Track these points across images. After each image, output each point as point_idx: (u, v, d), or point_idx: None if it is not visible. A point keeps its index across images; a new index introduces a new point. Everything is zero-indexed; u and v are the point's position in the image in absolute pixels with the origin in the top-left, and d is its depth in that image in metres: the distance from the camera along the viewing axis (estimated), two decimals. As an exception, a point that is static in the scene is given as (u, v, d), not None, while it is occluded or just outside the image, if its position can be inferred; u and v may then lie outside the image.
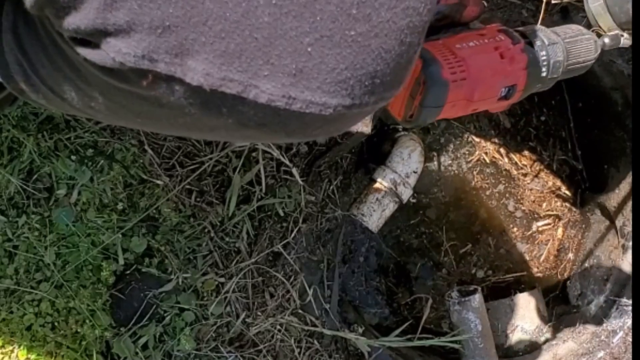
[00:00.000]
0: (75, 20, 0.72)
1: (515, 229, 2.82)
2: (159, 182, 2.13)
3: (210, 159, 2.18)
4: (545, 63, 1.44)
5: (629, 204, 2.49)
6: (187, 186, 2.16)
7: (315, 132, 0.81)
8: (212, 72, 0.73)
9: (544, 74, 1.45)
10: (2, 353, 2.08)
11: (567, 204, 2.83)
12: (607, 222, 2.64)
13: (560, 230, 2.83)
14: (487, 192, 2.79)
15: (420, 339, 2.43)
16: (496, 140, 2.80)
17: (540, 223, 2.83)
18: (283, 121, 0.77)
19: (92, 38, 0.73)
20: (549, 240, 2.84)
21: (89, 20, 0.71)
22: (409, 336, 2.43)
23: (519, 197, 2.82)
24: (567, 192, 2.84)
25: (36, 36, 0.89)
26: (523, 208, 2.82)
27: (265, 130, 0.80)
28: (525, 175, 2.83)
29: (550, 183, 2.84)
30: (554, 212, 2.83)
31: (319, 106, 0.76)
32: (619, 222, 2.56)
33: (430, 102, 1.27)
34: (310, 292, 2.25)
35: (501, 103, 1.42)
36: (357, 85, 0.76)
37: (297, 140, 0.86)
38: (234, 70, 0.73)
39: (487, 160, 2.78)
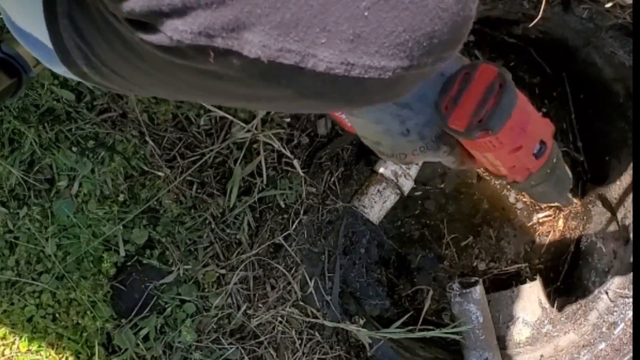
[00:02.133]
0: (129, 3, 0.71)
1: (516, 221, 2.82)
2: (160, 173, 2.13)
3: (211, 150, 2.18)
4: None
5: (630, 195, 2.49)
6: (188, 178, 2.16)
7: (375, 97, 0.81)
8: (269, 44, 0.72)
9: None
10: (3, 344, 2.08)
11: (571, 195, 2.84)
12: (608, 214, 2.64)
13: (561, 222, 2.83)
14: (489, 184, 2.79)
15: (421, 330, 2.42)
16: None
17: (540, 215, 2.83)
18: (342, 89, 0.76)
19: (147, 19, 0.73)
20: (549, 231, 2.84)
21: (144, 2, 0.71)
22: (410, 328, 2.43)
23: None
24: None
25: (91, 19, 0.89)
26: (524, 199, 2.82)
27: (324, 99, 0.79)
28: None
29: (551, 175, 2.84)
30: (555, 204, 2.83)
31: (378, 70, 0.74)
32: (620, 214, 2.55)
33: (506, 104, 1.28)
34: (311, 283, 2.26)
35: (533, 161, 1.42)
36: (415, 46, 0.74)
37: (357, 107, 0.85)
38: (291, 41, 0.72)
39: (489, 153, 2.78)
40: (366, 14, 0.70)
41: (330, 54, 0.72)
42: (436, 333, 2.43)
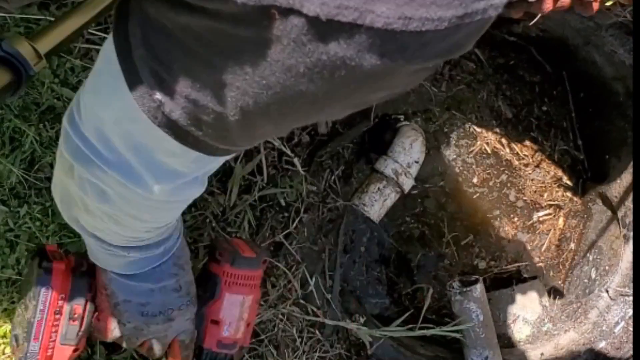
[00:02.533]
0: None
1: (516, 219, 2.82)
2: (160, 172, 2.13)
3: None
4: None
5: (631, 193, 2.50)
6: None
7: (433, 51, 0.82)
8: (328, 1, 0.74)
9: None
10: (4, 342, 2.08)
11: (569, 194, 2.83)
12: (609, 212, 2.65)
13: (561, 220, 2.83)
14: (489, 183, 2.79)
15: (421, 329, 2.43)
16: (497, 131, 2.80)
17: (541, 213, 2.83)
18: (401, 45, 0.78)
19: None
20: (550, 230, 2.84)
21: None
22: (410, 326, 2.43)
23: (520, 187, 2.82)
24: (569, 182, 2.84)
25: (166, 36, 0.93)
26: (524, 198, 2.82)
27: (383, 59, 0.80)
28: (526, 165, 2.83)
29: (551, 173, 2.84)
30: (555, 202, 2.83)
31: (435, 22, 0.76)
32: (620, 212, 2.56)
33: None
34: (311, 282, 2.26)
35: None
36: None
37: (417, 65, 0.85)
38: None
39: (489, 151, 2.78)
40: None
41: (388, 9, 0.74)
42: (436, 331, 2.43)
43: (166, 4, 0.91)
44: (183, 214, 2.10)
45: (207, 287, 1.89)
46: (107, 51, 1.06)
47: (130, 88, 1.02)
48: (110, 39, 1.06)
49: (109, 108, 1.11)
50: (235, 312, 1.90)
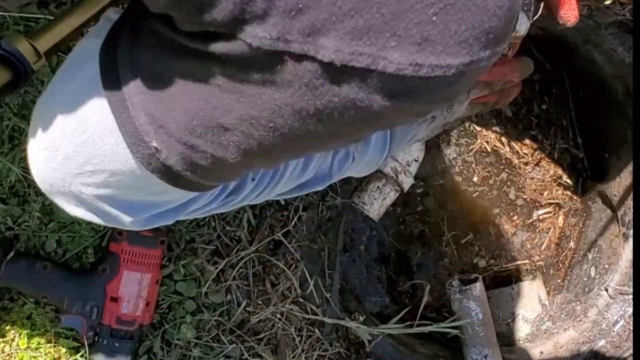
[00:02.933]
0: (212, 14, 0.80)
1: (516, 218, 2.82)
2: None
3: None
4: None
5: (631, 192, 2.49)
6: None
7: (438, 96, 0.88)
8: (343, 48, 0.80)
9: None
10: (3, 341, 2.08)
11: (569, 193, 2.83)
12: (608, 211, 2.64)
13: (561, 219, 2.83)
14: (489, 181, 2.79)
15: (419, 325, 2.43)
16: (497, 129, 2.80)
17: (540, 211, 2.83)
18: (410, 89, 0.84)
19: (226, 29, 0.82)
20: (549, 228, 2.84)
21: (227, 11, 0.79)
22: (408, 323, 2.43)
23: (520, 186, 2.82)
24: (568, 181, 2.84)
25: (164, 83, 0.96)
26: (524, 196, 2.82)
27: (392, 100, 0.86)
28: (526, 164, 2.83)
29: (551, 172, 2.84)
30: (555, 201, 2.83)
31: (443, 68, 0.82)
32: (620, 211, 2.56)
33: None
34: (311, 281, 2.25)
35: None
36: (475, 42, 0.83)
37: (420, 108, 0.92)
38: (363, 45, 0.80)
39: (489, 149, 2.78)
40: (434, 19, 0.79)
41: (400, 56, 0.81)
42: (434, 328, 2.42)
43: (167, 51, 0.95)
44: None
45: (107, 265, 2.03)
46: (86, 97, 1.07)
47: (123, 136, 1.03)
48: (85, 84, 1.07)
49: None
50: (134, 289, 2.03)
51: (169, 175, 1.05)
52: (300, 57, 0.82)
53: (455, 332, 2.45)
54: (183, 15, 0.86)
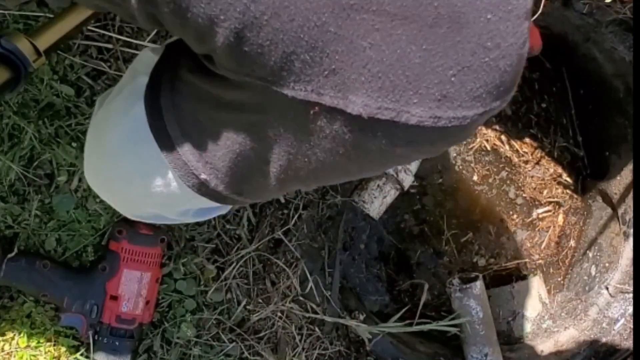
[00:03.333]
0: (254, 68, 0.94)
1: (515, 216, 2.82)
2: (159, 168, 2.13)
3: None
4: None
5: (631, 190, 2.50)
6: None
7: (455, 139, 1.02)
8: (370, 104, 0.92)
9: None
10: (3, 340, 2.08)
11: (568, 191, 2.83)
12: (609, 209, 2.64)
13: (560, 217, 2.83)
14: (488, 180, 2.79)
15: (418, 324, 2.43)
16: (497, 128, 2.80)
17: (540, 210, 2.83)
18: (429, 136, 0.97)
19: (264, 81, 0.95)
20: (549, 227, 2.84)
21: (269, 67, 0.93)
22: (407, 322, 2.43)
23: (519, 185, 2.82)
24: (568, 179, 2.84)
25: (209, 130, 1.13)
26: (524, 195, 2.82)
27: (413, 145, 1.00)
28: (526, 162, 2.83)
29: (551, 170, 2.84)
30: (555, 199, 2.83)
31: (460, 119, 0.95)
32: (620, 209, 2.56)
33: None
34: (311, 279, 2.25)
35: None
36: (488, 96, 0.95)
37: (439, 149, 1.08)
38: (388, 101, 0.92)
39: (488, 148, 2.78)
40: (453, 79, 0.91)
41: (421, 111, 0.93)
42: (433, 326, 2.43)
43: (204, 103, 1.10)
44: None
45: (107, 264, 2.03)
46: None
47: (173, 170, 1.22)
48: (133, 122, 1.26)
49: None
50: (134, 288, 2.04)
51: (218, 197, 1.24)
52: (330, 109, 0.95)
53: (454, 330, 2.45)
54: (229, 64, 0.97)
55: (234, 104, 1.05)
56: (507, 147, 2.82)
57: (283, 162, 1.10)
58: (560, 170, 2.85)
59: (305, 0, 0.88)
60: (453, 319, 2.46)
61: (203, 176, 1.19)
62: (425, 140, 0.98)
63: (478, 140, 2.77)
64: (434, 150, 1.06)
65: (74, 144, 2.05)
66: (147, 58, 1.35)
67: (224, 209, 1.50)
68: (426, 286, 2.56)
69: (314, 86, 0.93)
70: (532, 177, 2.84)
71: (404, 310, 2.47)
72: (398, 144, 0.99)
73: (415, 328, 2.41)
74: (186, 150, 1.18)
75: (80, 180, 2.06)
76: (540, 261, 2.81)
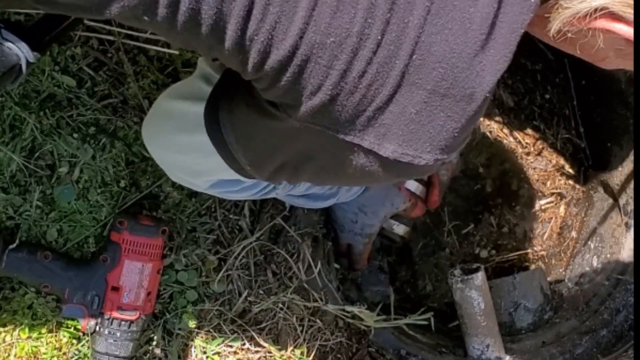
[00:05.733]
0: (331, 121, 1.22)
1: (518, 208, 2.82)
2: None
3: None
4: None
5: (632, 181, 2.49)
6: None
7: (423, 173, 1.51)
8: (398, 150, 1.21)
9: None
10: (4, 331, 2.08)
11: (571, 182, 2.83)
12: (610, 200, 2.64)
13: (562, 208, 2.83)
14: (491, 171, 2.79)
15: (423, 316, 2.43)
16: (500, 119, 2.80)
17: (543, 201, 2.83)
18: (426, 170, 1.27)
19: (326, 128, 1.23)
20: (551, 218, 2.84)
21: (337, 122, 1.22)
22: (409, 316, 2.43)
23: (522, 176, 2.82)
24: (571, 170, 2.84)
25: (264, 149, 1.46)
26: (526, 187, 2.82)
27: (409, 175, 1.56)
28: (528, 154, 2.83)
29: (553, 161, 2.84)
30: (558, 190, 2.83)
31: (440, 160, 1.25)
32: (622, 200, 2.55)
33: None
34: (315, 269, 2.26)
35: None
36: (457, 146, 1.27)
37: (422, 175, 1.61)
38: (411, 149, 1.21)
39: (491, 139, 2.78)
40: (455, 135, 1.22)
41: (430, 156, 1.23)
42: (408, 320, 2.42)
43: (255, 114, 1.37)
44: (183, 201, 2.11)
45: (108, 255, 2.05)
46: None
47: (227, 163, 1.57)
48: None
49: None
50: (135, 279, 2.05)
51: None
52: (368, 151, 1.23)
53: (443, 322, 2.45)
54: (305, 118, 1.23)
55: (285, 134, 1.35)
56: (510, 138, 2.82)
57: (311, 173, 1.45)
58: (562, 161, 2.84)
59: None
60: (424, 312, 2.47)
61: (248, 168, 1.54)
62: (422, 172, 1.37)
63: (481, 132, 2.77)
64: (419, 175, 1.73)
65: (75, 135, 2.05)
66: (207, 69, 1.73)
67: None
68: (427, 279, 2.56)
69: (362, 134, 1.22)
70: (534, 168, 2.83)
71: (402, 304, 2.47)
72: (401, 175, 1.37)
73: (412, 320, 2.42)
74: (237, 150, 1.52)
75: (81, 171, 2.06)
76: (542, 252, 2.81)
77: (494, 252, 2.77)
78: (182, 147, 1.74)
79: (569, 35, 1.21)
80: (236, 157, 1.54)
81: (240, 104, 1.43)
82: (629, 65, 1.31)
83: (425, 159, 1.23)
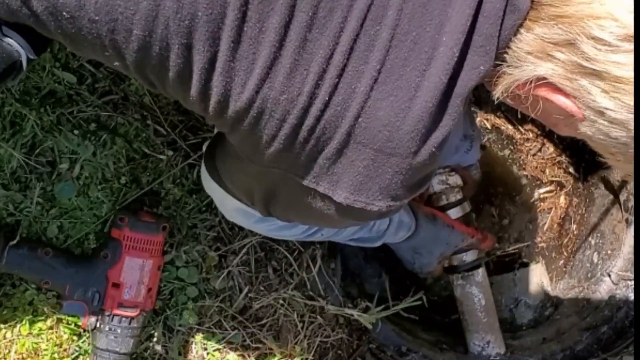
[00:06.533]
0: (292, 167, 1.39)
1: (517, 198, 2.82)
2: (162, 156, 2.13)
3: (214, 133, 2.18)
4: None
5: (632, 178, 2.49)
6: (191, 161, 2.16)
7: (380, 217, 1.49)
8: (349, 196, 1.36)
9: None
10: (5, 327, 2.08)
11: (570, 171, 2.83)
12: (611, 196, 2.64)
13: (562, 198, 2.83)
14: (492, 156, 2.79)
15: (423, 311, 2.43)
16: (498, 108, 2.81)
17: (542, 190, 2.83)
18: (379, 215, 1.43)
19: (288, 172, 1.40)
20: (551, 208, 2.84)
21: (297, 169, 1.39)
22: (404, 300, 2.44)
23: (522, 163, 2.82)
24: (569, 160, 2.84)
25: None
26: (525, 174, 2.82)
27: (364, 220, 1.67)
28: (527, 140, 2.83)
29: (551, 149, 2.84)
30: (557, 179, 2.83)
31: (394, 207, 1.40)
32: (622, 196, 2.55)
33: None
34: (313, 267, 2.26)
35: None
36: (410, 194, 1.43)
37: (359, 221, 1.67)
38: (362, 196, 1.36)
39: (489, 127, 2.78)
40: (406, 184, 1.35)
41: (382, 204, 1.37)
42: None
43: (237, 159, 1.56)
44: (184, 197, 2.11)
45: (109, 251, 2.04)
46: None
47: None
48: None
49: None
50: (136, 275, 2.05)
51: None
52: (323, 195, 1.39)
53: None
54: (269, 163, 1.41)
55: (256, 174, 1.52)
56: (508, 125, 2.82)
57: (281, 211, 1.64)
58: (560, 150, 2.85)
59: None
60: (415, 301, 2.47)
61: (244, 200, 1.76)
62: (375, 217, 1.47)
63: (478, 119, 2.77)
64: (376, 219, 1.92)
65: (75, 132, 2.05)
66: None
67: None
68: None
69: (317, 179, 1.38)
70: (533, 155, 2.84)
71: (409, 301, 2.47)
72: (358, 218, 1.48)
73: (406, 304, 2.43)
74: (231, 185, 1.76)
75: (82, 167, 2.06)
76: (542, 244, 2.81)
77: (496, 246, 2.77)
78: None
79: (508, 100, 1.37)
80: (232, 193, 1.79)
81: (224, 147, 1.66)
82: (577, 134, 1.37)
83: (378, 205, 1.37)
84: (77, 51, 1.46)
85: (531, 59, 1.27)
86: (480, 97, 2.76)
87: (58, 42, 1.96)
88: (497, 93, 1.33)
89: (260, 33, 1.23)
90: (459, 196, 2.37)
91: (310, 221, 1.79)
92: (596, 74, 1.19)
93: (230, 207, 1.90)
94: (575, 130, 1.34)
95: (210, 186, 1.87)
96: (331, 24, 1.23)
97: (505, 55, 1.30)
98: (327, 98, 1.26)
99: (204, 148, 1.98)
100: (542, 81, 1.27)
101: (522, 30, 1.28)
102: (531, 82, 1.27)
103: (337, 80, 1.25)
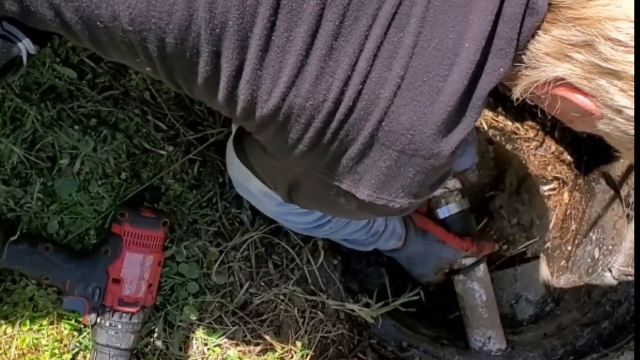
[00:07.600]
0: (324, 168, 1.45)
1: (526, 196, 2.82)
2: (162, 152, 2.12)
3: (214, 128, 2.18)
4: None
5: (633, 172, 2.49)
6: (191, 156, 2.16)
7: (401, 212, 1.50)
8: (371, 194, 1.41)
9: None
10: (5, 323, 2.08)
11: (572, 167, 2.83)
12: (612, 192, 2.64)
13: (566, 195, 2.83)
14: (494, 158, 2.79)
15: (424, 307, 2.43)
16: (498, 107, 2.81)
17: (546, 187, 2.83)
18: (401, 211, 1.47)
19: (316, 172, 1.47)
20: (556, 206, 2.84)
21: (330, 171, 1.44)
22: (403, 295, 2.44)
23: (524, 162, 2.82)
24: (570, 157, 2.84)
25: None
26: (529, 172, 2.82)
27: (387, 214, 1.76)
28: (528, 139, 2.83)
29: (553, 148, 2.84)
30: (559, 176, 2.83)
31: (415, 203, 1.44)
32: (623, 192, 2.55)
33: None
34: (314, 262, 2.25)
35: None
36: (431, 191, 1.50)
37: (380, 215, 2.01)
38: (384, 194, 1.40)
39: (485, 127, 2.78)
40: (426, 183, 1.40)
41: (404, 201, 1.42)
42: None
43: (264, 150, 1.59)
44: (184, 193, 2.11)
45: (109, 247, 2.04)
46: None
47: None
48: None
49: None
50: (136, 271, 2.05)
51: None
52: (346, 192, 1.45)
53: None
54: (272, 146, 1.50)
55: (281, 167, 1.58)
56: (509, 122, 2.82)
57: (304, 193, 1.67)
58: (561, 148, 2.84)
59: None
60: (413, 296, 2.47)
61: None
62: (395, 212, 1.48)
63: (478, 120, 2.77)
64: (397, 215, 2.09)
65: (76, 127, 2.05)
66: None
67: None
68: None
69: (341, 177, 1.43)
70: (534, 154, 2.84)
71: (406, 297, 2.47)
72: (379, 214, 1.71)
73: (411, 298, 2.42)
74: (259, 172, 1.80)
75: (82, 163, 2.06)
76: (546, 241, 2.81)
77: (505, 247, 2.77)
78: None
79: (528, 99, 1.38)
80: (257, 175, 1.83)
81: (251, 136, 1.58)
82: (594, 131, 1.40)
83: (400, 202, 1.42)
84: (105, 56, 1.47)
85: (549, 60, 1.30)
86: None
87: (58, 37, 1.96)
88: (517, 94, 1.37)
89: (288, 42, 1.27)
90: (457, 198, 2.39)
91: (331, 212, 1.88)
92: (614, 74, 1.23)
93: (253, 187, 1.95)
94: (593, 127, 1.37)
95: (236, 164, 1.90)
96: (356, 32, 1.27)
97: (523, 57, 1.33)
98: (351, 103, 1.30)
99: (233, 128, 2.03)
100: (560, 81, 1.30)
101: (540, 32, 1.31)
102: (549, 82, 1.31)
103: (361, 86, 1.29)
